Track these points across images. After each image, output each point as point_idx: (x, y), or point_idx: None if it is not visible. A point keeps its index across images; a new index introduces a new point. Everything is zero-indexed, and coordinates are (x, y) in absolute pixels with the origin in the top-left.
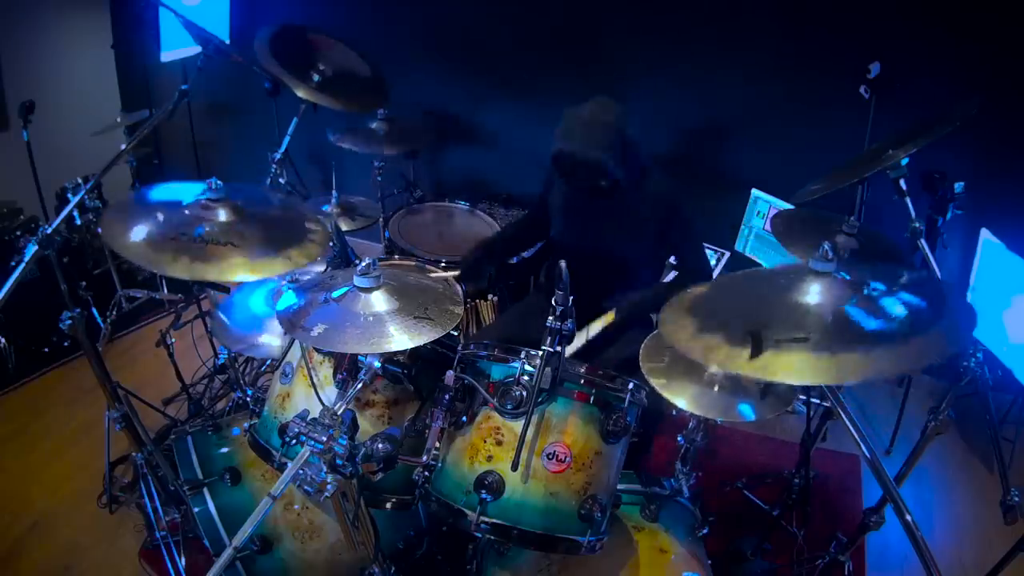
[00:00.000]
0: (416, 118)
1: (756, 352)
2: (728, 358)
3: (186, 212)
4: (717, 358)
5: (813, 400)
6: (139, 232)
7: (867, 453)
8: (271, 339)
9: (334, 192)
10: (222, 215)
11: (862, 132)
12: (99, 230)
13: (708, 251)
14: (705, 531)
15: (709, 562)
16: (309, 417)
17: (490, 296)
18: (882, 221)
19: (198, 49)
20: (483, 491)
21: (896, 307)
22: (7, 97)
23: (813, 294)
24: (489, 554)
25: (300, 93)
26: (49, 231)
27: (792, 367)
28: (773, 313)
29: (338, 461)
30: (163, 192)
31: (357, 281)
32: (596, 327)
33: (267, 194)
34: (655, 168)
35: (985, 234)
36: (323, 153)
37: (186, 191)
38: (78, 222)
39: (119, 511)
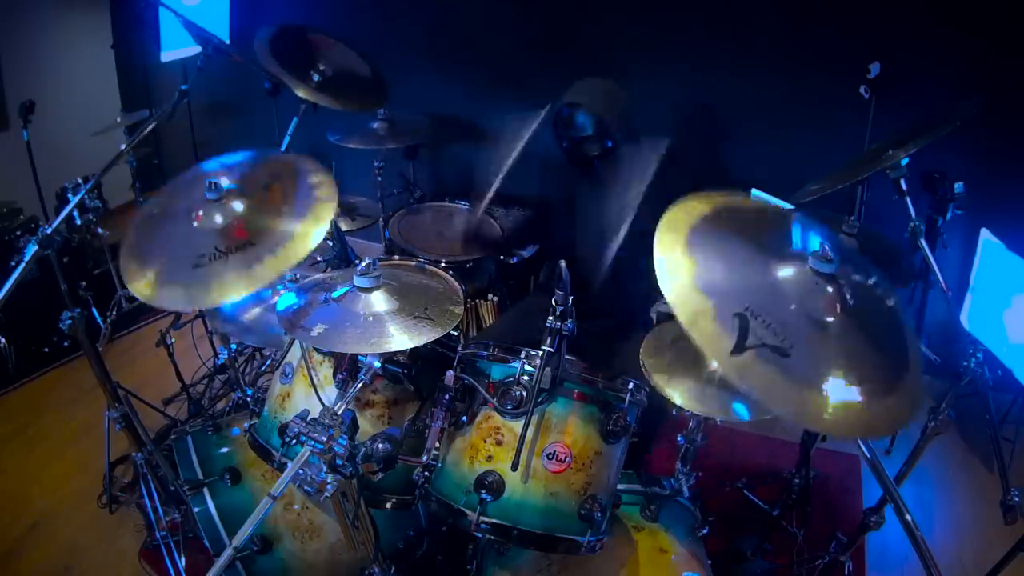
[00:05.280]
0: (416, 118)
1: (739, 348)
2: (712, 340)
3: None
4: (701, 330)
5: None
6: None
7: (867, 453)
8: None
9: None
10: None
11: (862, 132)
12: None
13: None
14: (705, 531)
15: (709, 562)
16: (309, 417)
17: (490, 296)
18: (882, 221)
19: (198, 49)
20: (483, 491)
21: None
22: (7, 97)
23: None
24: (489, 554)
25: (300, 93)
26: (49, 231)
27: (761, 381)
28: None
29: (338, 461)
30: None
31: (357, 281)
32: None
33: None
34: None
35: (985, 234)
36: (323, 153)
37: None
38: (78, 222)
39: (119, 511)
